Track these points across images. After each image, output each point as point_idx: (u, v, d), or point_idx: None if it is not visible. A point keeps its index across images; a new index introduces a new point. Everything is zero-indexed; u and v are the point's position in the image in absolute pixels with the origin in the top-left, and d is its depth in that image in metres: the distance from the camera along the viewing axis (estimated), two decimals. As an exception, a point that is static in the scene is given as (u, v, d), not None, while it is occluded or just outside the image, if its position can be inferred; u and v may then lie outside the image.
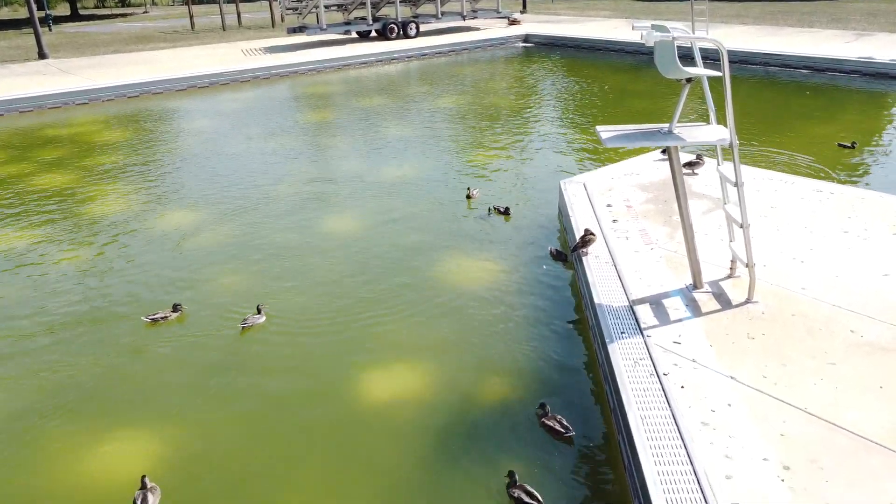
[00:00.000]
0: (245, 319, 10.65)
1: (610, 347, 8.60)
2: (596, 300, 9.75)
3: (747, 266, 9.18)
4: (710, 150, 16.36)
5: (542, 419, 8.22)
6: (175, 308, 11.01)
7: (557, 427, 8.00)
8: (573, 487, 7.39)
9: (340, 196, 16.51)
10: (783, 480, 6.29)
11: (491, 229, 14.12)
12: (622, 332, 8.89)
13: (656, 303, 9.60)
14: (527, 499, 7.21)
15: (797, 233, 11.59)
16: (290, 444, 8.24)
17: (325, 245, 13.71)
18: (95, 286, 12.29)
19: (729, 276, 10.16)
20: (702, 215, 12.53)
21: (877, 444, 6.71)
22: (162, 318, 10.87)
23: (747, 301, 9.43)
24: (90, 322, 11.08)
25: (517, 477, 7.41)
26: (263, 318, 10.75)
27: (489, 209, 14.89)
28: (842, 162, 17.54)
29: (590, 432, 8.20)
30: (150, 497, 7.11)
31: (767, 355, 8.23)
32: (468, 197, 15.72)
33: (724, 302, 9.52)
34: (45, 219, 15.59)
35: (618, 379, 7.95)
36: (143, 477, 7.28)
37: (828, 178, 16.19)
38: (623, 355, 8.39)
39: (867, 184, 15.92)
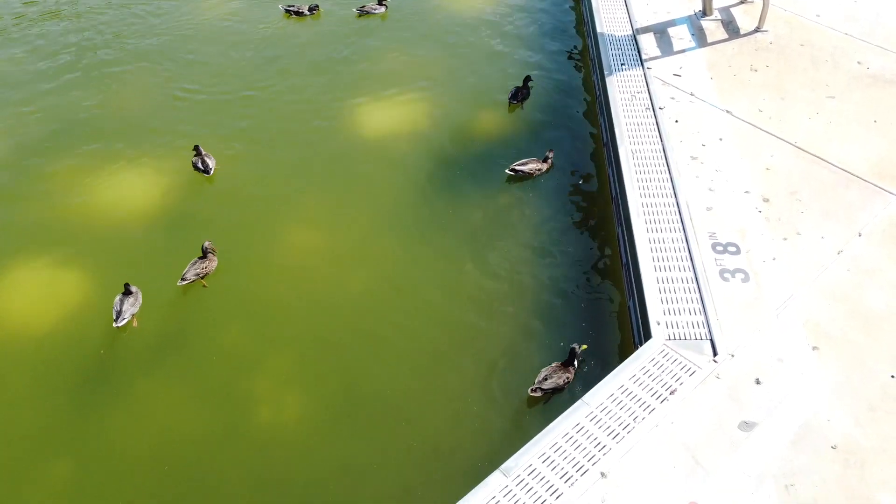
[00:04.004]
0: (363, 7, 11.25)
1: (608, 80, 8.42)
2: (598, 29, 9.30)
3: (762, -10, 8.61)
4: None
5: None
6: (311, 9, 11.27)
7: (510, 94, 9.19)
8: (561, 211, 7.76)
9: None
10: (760, 212, 6.61)
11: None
12: (622, 64, 8.64)
13: (661, 32, 9.17)
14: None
15: (824, -50, 10.63)
16: (302, 164, 8.53)
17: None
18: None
19: (742, 2, 9.56)
20: (723, -71, 11.39)
21: (857, 176, 6.91)
22: (296, 12, 11.23)
23: (756, 30, 9.00)
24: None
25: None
26: (383, 10, 11.23)
27: None
28: None
29: (581, 165, 8.40)
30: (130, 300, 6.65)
31: (767, 88, 8.09)
32: None
33: (733, 31, 9.09)
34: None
35: (613, 113, 7.92)
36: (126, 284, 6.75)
37: None
38: (621, 88, 8.25)
39: None
